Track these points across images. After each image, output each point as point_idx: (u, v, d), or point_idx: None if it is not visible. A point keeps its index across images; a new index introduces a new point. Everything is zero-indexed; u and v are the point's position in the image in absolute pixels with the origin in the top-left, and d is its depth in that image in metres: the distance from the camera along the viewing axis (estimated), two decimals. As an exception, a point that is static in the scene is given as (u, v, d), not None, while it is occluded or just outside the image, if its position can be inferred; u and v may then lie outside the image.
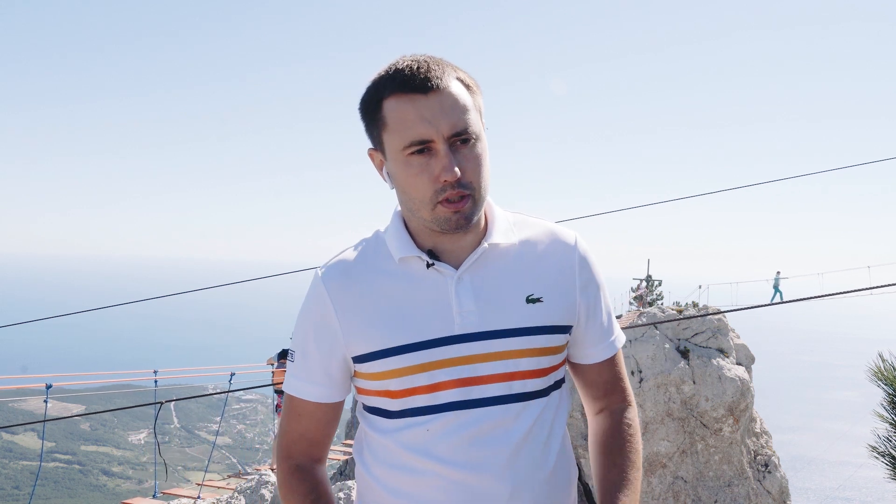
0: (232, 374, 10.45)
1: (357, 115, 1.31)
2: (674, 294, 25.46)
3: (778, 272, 26.35)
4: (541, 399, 1.30)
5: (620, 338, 1.44)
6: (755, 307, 7.29)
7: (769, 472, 15.92)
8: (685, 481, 15.16)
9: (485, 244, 1.29)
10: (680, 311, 17.11)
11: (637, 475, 1.35)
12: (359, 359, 1.30)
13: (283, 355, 10.57)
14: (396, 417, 1.29)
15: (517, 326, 1.27)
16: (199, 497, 9.61)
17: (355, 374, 1.34)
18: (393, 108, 1.21)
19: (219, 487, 10.34)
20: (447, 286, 1.27)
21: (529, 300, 1.29)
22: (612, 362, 1.42)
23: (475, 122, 1.23)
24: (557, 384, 1.36)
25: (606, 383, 1.42)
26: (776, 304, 6.89)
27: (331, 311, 1.30)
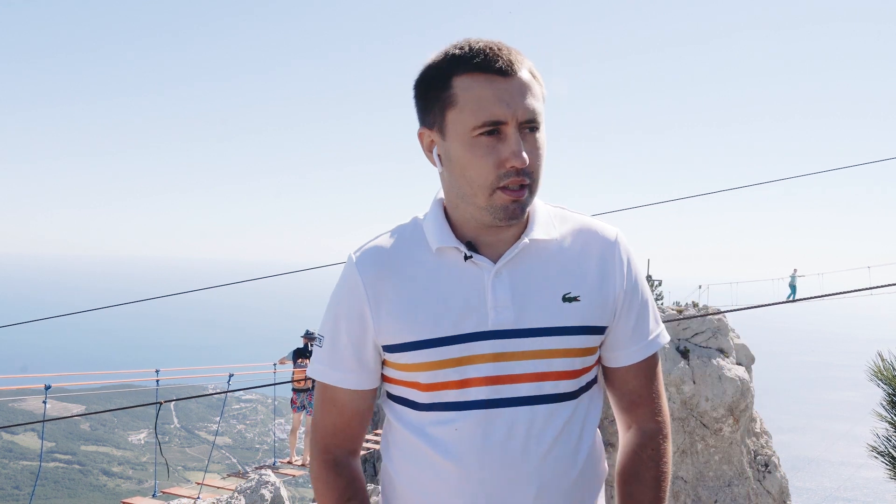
0: (231, 375, 10.43)
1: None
2: (674, 294, 25.49)
3: (794, 270, 25.98)
4: (571, 401, 1.26)
5: (657, 342, 1.35)
6: (755, 307, 7.30)
7: (769, 472, 15.92)
8: (685, 481, 15.16)
9: (525, 239, 1.25)
10: (680, 311, 17.12)
11: None
12: (389, 349, 1.27)
13: (298, 355, 10.57)
14: (424, 410, 1.26)
15: (552, 325, 1.23)
16: (199, 497, 9.61)
17: (385, 363, 1.31)
18: (467, 85, 1.17)
19: (219, 487, 10.34)
20: (484, 280, 1.24)
21: (566, 299, 1.25)
22: (642, 368, 1.34)
23: (543, 112, 1.21)
24: (588, 385, 1.31)
25: (634, 392, 1.34)
26: (775, 304, 6.89)
27: (363, 299, 1.27)
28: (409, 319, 1.24)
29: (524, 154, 1.15)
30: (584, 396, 1.29)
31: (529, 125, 1.18)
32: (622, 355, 1.33)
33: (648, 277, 24.47)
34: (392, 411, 1.34)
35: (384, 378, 1.34)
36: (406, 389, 1.29)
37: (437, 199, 1.32)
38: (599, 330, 1.27)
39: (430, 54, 1.24)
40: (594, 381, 1.34)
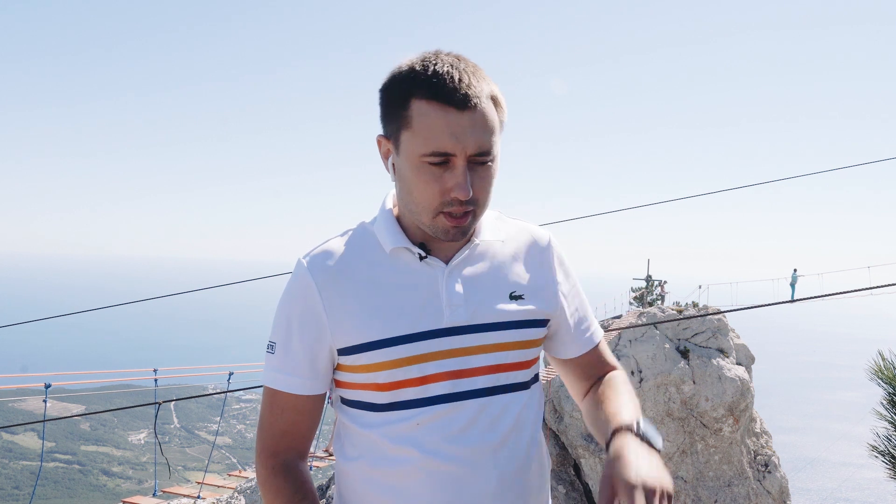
0: (231, 374, 10.41)
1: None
2: (674, 294, 25.48)
3: (794, 269, 25.93)
4: (525, 391, 1.34)
5: (598, 332, 1.47)
6: (755, 307, 7.31)
7: (769, 472, 15.92)
8: (685, 481, 15.16)
9: (475, 240, 1.31)
10: (680, 311, 17.11)
11: (635, 404, 1.36)
12: (345, 351, 1.27)
13: None
14: (383, 411, 1.28)
15: (504, 320, 1.30)
16: (199, 496, 9.61)
17: (338, 367, 1.32)
18: (422, 112, 1.19)
19: (219, 487, 10.35)
20: (437, 280, 1.29)
21: (513, 296, 1.33)
22: (594, 350, 1.46)
23: (497, 144, 1.23)
24: (535, 377, 1.39)
25: (592, 367, 1.47)
26: (775, 303, 6.89)
27: (318, 302, 1.27)
28: (366, 320, 1.26)
29: (469, 187, 1.19)
30: (534, 387, 1.38)
31: (479, 158, 1.21)
32: (576, 347, 1.44)
33: (648, 277, 24.50)
34: (347, 415, 1.34)
35: (338, 383, 1.34)
36: (363, 392, 1.29)
37: (386, 202, 1.36)
38: (543, 323, 1.36)
39: (403, 59, 1.24)
40: (538, 373, 1.43)
